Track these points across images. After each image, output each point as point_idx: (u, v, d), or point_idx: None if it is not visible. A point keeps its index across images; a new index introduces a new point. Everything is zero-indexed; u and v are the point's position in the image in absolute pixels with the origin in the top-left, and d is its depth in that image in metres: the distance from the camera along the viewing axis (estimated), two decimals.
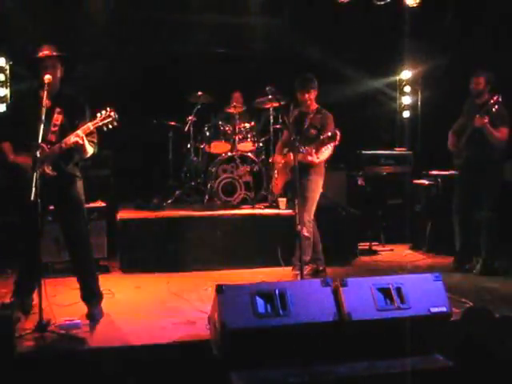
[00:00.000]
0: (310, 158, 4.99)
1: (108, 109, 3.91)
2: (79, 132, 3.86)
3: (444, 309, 3.57)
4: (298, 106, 5.45)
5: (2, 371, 3.23)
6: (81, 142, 3.86)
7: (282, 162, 5.39)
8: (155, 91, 7.22)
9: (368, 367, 3.42)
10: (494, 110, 5.17)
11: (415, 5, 6.60)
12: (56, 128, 3.95)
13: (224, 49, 7.73)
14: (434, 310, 3.55)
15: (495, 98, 5.18)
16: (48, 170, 3.87)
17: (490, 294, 4.76)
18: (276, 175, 5.52)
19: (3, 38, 6.39)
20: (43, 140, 3.81)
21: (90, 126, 3.89)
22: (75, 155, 4.05)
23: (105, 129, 3.92)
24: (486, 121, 5.19)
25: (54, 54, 3.99)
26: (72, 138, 3.86)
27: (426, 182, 6.78)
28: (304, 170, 5.02)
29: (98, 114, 3.91)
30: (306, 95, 5.24)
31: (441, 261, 6.13)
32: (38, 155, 3.69)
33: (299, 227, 4.65)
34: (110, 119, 3.89)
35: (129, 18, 7.03)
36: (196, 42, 7.43)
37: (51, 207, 4.19)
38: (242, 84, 7.35)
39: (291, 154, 4.92)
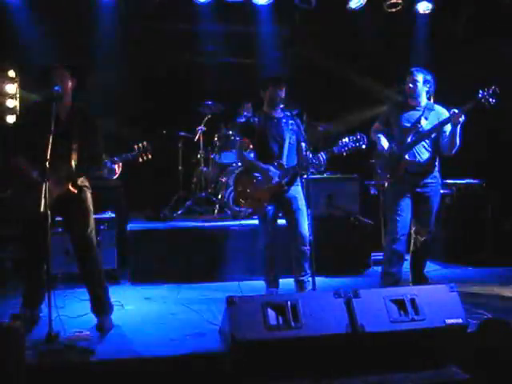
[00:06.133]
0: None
1: (145, 143, 4.00)
2: (118, 160, 3.95)
3: (460, 320, 3.51)
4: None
5: (11, 383, 3.20)
6: (117, 170, 3.99)
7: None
8: (165, 101, 7.22)
9: (382, 380, 3.37)
10: (488, 103, 4.20)
11: (427, 12, 6.57)
12: (74, 145, 3.97)
13: (234, 58, 7.73)
14: (450, 321, 3.49)
15: (493, 89, 4.19)
16: (73, 188, 3.94)
17: (508, 304, 4.66)
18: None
19: (13, 50, 6.43)
20: (61, 156, 3.83)
21: (130, 157, 3.98)
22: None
23: (140, 160, 4.01)
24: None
25: (63, 64, 4.00)
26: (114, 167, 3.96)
27: (442, 191, 6.68)
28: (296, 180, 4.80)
29: (135, 147, 4.00)
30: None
31: (456, 271, 6.03)
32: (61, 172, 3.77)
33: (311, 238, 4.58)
34: (147, 152, 4.00)
35: (139, 28, 7.05)
36: (206, 51, 7.44)
37: (59, 218, 4.18)
38: (252, 94, 7.33)
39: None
